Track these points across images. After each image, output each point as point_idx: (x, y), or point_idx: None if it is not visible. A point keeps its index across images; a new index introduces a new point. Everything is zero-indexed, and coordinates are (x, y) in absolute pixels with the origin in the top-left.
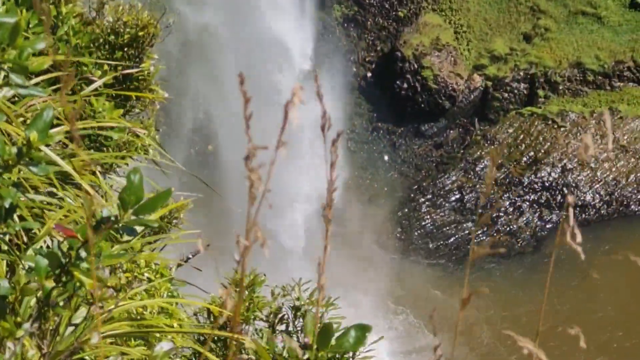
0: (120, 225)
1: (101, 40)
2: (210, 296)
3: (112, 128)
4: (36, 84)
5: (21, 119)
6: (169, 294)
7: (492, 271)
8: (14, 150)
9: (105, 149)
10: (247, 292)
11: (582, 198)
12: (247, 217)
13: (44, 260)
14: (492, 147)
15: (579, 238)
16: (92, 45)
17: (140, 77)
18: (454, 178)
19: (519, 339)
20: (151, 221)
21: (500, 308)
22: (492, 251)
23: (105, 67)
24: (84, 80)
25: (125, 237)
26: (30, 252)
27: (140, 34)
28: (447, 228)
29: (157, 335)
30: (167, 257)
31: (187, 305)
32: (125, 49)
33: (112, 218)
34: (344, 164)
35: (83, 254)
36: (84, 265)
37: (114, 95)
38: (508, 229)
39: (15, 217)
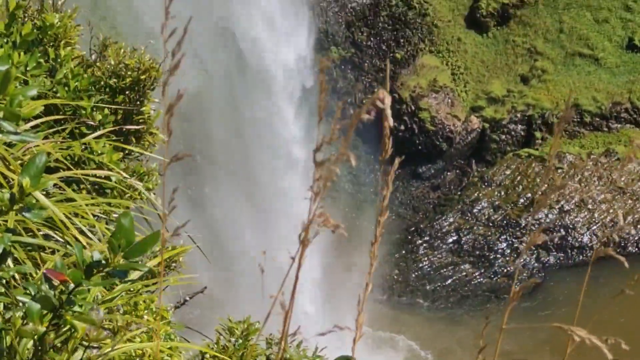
0: (110, 269)
1: (102, 83)
2: (206, 342)
3: (110, 171)
4: (35, 127)
5: (19, 161)
6: (168, 336)
7: (491, 312)
8: (7, 196)
9: (105, 192)
10: (241, 341)
11: (579, 239)
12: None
13: (36, 304)
14: (490, 188)
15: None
16: (91, 88)
17: (140, 120)
18: (451, 220)
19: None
20: (141, 265)
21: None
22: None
23: (106, 110)
24: (83, 124)
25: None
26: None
27: (142, 77)
28: (445, 270)
29: None
30: (165, 299)
31: (184, 349)
32: (127, 92)
33: (103, 262)
34: (342, 205)
35: (76, 297)
36: (76, 308)
37: (113, 138)
38: (505, 270)
39: (9, 261)
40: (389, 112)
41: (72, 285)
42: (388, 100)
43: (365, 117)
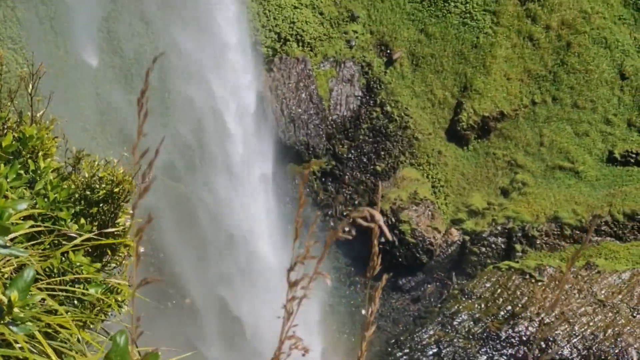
0: None
1: (77, 195)
2: None
3: (88, 282)
4: (13, 239)
5: None
6: None
7: None
8: None
9: (82, 304)
10: None
11: (559, 352)
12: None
13: None
14: (470, 301)
15: None
16: (69, 200)
17: (115, 233)
18: (431, 332)
19: None
20: None
21: None
22: None
23: (83, 220)
24: (62, 235)
25: None
26: None
27: (116, 190)
28: None
29: None
30: None
31: None
32: (101, 205)
33: None
34: (321, 319)
35: None
36: None
37: (89, 250)
38: None
39: None
40: (385, 229)
41: None
42: (380, 217)
43: (344, 236)
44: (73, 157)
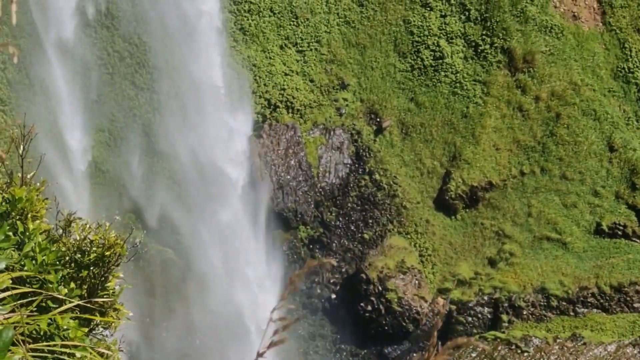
0: None
1: (67, 258)
2: None
3: (75, 347)
4: (1, 299)
5: None
6: None
7: None
8: None
9: None
10: None
11: None
12: None
13: None
14: None
15: None
16: (58, 262)
17: (105, 296)
18: None
19: None
20: None
21: None
22: None
23: (72, 284)
24: (49, 298)
25: None
26: None
27: (107, 253)
28: None
29: None
30: None
31: None
32: (92, 268)
33: None
34: None
35: None
36: None
37: (78, 312)
38: None
39: None
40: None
41: None
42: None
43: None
44: (64, 220)
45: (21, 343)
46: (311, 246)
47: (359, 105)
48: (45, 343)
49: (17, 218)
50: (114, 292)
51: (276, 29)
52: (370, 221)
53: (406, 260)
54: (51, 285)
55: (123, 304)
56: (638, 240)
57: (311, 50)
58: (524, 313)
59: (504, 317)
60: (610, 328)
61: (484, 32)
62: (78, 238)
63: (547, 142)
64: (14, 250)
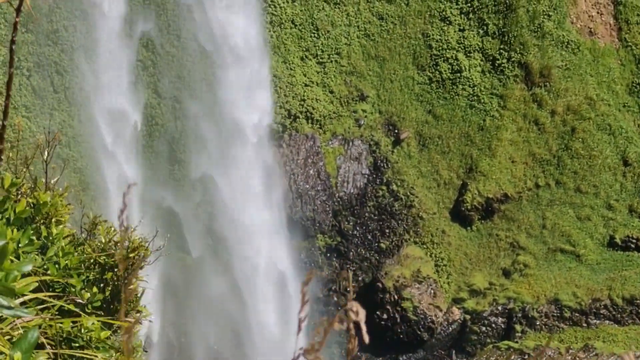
0: None
1: (92, 260)
2: None
3: (98, 348)
4: (23, 303)
5: (8, 337)
6: None
7: None
8: None
9: None
10: None
11: None
12: None
13: None
14: None
15: None
16: (81, 266)
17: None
18: None
19: None
20: None
21: None
22: None
23: (95, 288)
24: (72, 301)
25: None
26: None
27: (131, 255)
28: None
29: None
30: None
31: None
32: (116, 270)
33: None
34: None
35: None
36: None
37: (102, 314)
38: None
39: None
40: (364, 328)
41: None
42: (362, 315)
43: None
44: (89, 223)
45: (45, 345)
46: (329, 254)
47: (378, 116)
48: (69, 350)
49: (41, 223)
50: (137, 295)
51: (297, 40)
52: (387, 231)
53: (422, 270)
54: (74, 289)
55: (145, 306)
56: None
57: (331, 62)
58: (537, 324)
59: (518, 327)
60: (622, 339)
61: (501, 47)
62: (103, 240)
63: (562, 155)
64: (37, 255)
